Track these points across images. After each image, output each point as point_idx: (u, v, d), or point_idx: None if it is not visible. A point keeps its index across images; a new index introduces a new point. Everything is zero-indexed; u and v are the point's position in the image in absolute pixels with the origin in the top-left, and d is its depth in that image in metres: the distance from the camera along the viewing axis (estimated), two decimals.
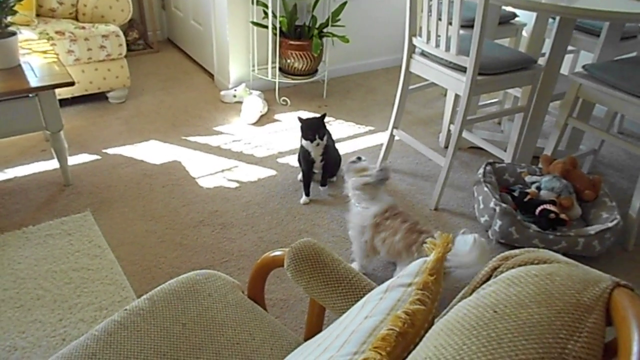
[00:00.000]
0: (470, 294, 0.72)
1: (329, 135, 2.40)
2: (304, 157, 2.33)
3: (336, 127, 3.05)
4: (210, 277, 1.25)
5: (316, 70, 3.37)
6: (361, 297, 1.04)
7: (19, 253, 1.96)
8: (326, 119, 2.32)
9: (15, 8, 2.14)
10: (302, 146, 2.35)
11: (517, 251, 0.76)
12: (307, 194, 2.38)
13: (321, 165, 2.40)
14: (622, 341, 0.55)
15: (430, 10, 2.13)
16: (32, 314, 1.71)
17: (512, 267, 0.71)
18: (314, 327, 1.18)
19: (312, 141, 2.26)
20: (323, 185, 2.50)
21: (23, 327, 1.66)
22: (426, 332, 0.69)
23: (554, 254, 0.72)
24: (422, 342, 0.64)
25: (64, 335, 1.64)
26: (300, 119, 2.28)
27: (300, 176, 2.49)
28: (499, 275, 0.71)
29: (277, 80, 3.27)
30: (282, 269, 1.16)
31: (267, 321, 1.17)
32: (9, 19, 2.15)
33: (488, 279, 0.74)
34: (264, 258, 1.23)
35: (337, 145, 2.56)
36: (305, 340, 1.14)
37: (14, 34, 2.17)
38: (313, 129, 2.26)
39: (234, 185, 2.46)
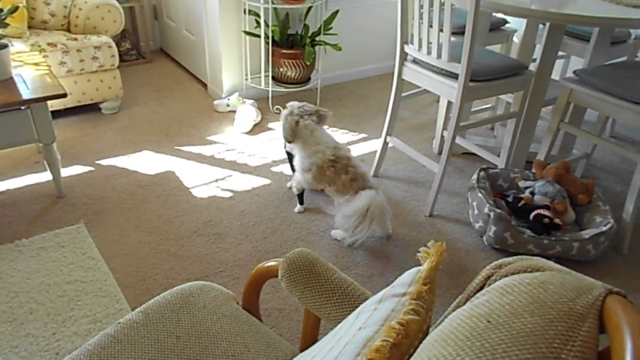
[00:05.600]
0: (464, 303, 0.71)
1: None
2: (290, 161, 2.36)
3: None
4: (204, 289, 1.24)
5: (309, 79, 3.38)
6: (356, 307, 1.04)
7: (11, 266, 1.94)
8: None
9: (7, 21, 2.14)
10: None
11: (510, 259, 0.76)
12: (302, 203, 2.37)
13: None
14: (616, 349, 0.55)
15: (421, 18, 2.15)
16: (25, 328, 1.69)
17: (506, 276, 0.71)
18: (310, 338, 1.18)
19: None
20: None
21: (16, 342, 1.64)
22: (421, 342, 0.68)
23: (547, 261, 0.72)
24: (416, 353, 0.64)
25: (57, 350, 1.62)
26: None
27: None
28: (493, 283, 0.71)
29: (270, 89, 3.28)
30: (277, 278, 1.16)
31: (263, 332, 1.16)
32: (1, 31, 2.15)
33: (482, 288, 0.74)
34: (258, 269, 1.23)
35: None
36: (301, 351, 1.14)
37: (5, 46, 2.16)
38: None
39: (228, 194, 2.46)
